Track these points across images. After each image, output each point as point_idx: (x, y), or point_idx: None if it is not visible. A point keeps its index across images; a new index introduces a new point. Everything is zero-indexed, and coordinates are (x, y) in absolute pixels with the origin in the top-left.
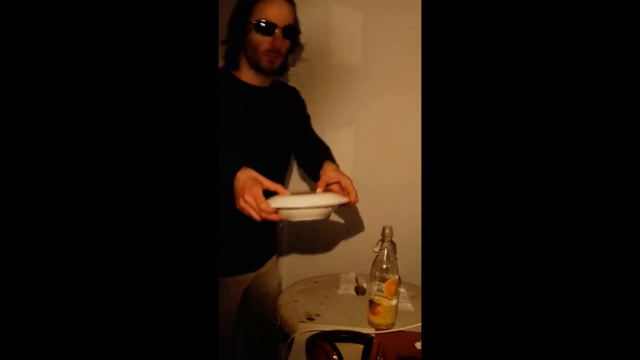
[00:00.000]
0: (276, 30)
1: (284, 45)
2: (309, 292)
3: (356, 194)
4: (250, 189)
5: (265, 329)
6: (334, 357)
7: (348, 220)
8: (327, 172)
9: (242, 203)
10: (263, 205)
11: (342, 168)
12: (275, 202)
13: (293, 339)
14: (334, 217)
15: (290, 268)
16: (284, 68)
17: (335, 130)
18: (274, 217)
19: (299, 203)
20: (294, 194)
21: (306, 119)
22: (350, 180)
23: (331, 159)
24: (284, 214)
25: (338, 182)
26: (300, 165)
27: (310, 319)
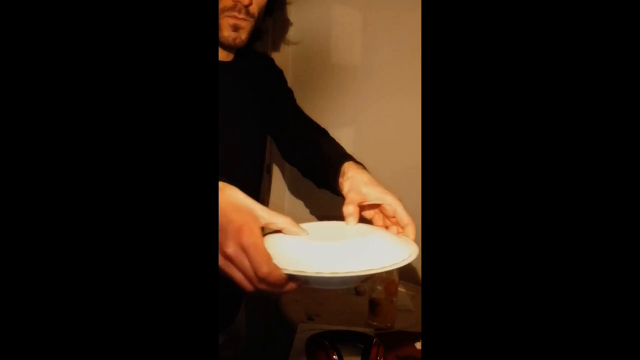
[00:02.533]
0: None
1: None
2: (309, 292)
3: (415, 229)
4: (241, 232)
5: None
6: (334, 357)
7: None
8: (360, 188)
9: (221, 262)
10: (265, 270)
11: None
12: (284, 257)
13: (293, 339)
14: (334, 217)
15: None
16: (254, 39)
17: (335, 130)
18: (284, 289)
19: (331, 264)
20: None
21: (287, 95)
22: (400, 202)
23: (351, 157)
24: (301, 280)
25: (378, 206)
26: (292, 164)
27: (310, 319)
